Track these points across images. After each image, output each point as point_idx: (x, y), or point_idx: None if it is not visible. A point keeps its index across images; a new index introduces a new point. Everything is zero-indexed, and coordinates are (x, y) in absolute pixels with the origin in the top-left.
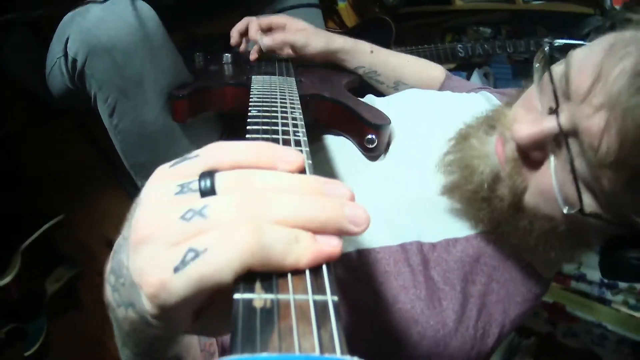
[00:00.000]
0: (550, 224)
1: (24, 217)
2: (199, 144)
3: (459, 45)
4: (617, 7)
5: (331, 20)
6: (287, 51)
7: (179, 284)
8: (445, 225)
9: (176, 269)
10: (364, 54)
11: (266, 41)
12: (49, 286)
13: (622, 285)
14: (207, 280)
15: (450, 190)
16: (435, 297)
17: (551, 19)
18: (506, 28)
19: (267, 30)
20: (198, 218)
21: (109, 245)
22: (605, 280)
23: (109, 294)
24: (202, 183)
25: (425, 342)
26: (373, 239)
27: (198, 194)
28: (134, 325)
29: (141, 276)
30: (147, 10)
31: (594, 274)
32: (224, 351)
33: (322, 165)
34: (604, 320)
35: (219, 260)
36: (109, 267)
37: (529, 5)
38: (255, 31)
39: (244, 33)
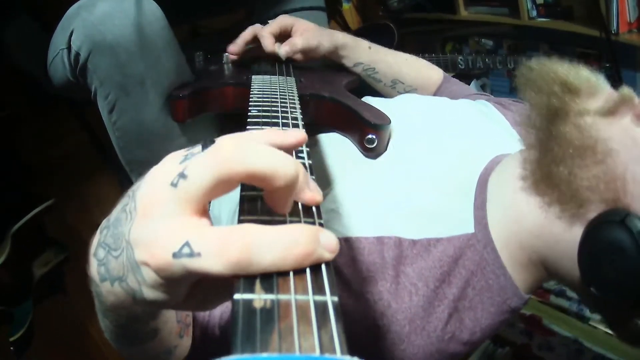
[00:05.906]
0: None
1: (16, 200)
2: (196, 143)
3: (460, 58)
4: (623, 32)
5: (335, 21)
6: (298, 57)
7: (175, 268)
8: (429, 224)
9: (174, 255)
10: (363, 50)
11: (284, 52)
12: (36, 270)
13: None
14: (196, 275)
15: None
16: (405, 292)
17: (555, 36)
18: (508, 42)
19: (278, 34)
20: (181, 181)
21: None
22: None
23: (94, 269)
24: (204, 149)
25: (389, 336)
26: (352, 228)
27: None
28: (118, 300)
29: (147, 249)
30: (154, 10)
31: None
32: (195, 320)
33: (314, 158)
34: (580, 337)
35: (208, 268)
36: (96, 240)
37: (534, 22)
38: (272, 45)
39: (250, 42)
